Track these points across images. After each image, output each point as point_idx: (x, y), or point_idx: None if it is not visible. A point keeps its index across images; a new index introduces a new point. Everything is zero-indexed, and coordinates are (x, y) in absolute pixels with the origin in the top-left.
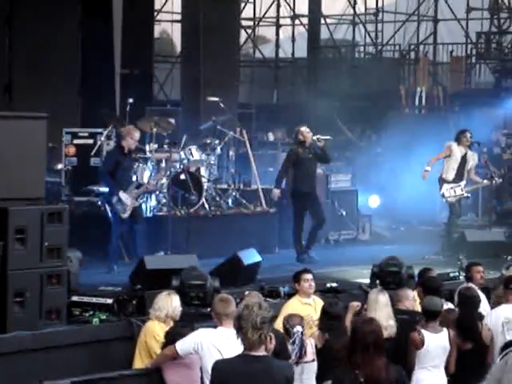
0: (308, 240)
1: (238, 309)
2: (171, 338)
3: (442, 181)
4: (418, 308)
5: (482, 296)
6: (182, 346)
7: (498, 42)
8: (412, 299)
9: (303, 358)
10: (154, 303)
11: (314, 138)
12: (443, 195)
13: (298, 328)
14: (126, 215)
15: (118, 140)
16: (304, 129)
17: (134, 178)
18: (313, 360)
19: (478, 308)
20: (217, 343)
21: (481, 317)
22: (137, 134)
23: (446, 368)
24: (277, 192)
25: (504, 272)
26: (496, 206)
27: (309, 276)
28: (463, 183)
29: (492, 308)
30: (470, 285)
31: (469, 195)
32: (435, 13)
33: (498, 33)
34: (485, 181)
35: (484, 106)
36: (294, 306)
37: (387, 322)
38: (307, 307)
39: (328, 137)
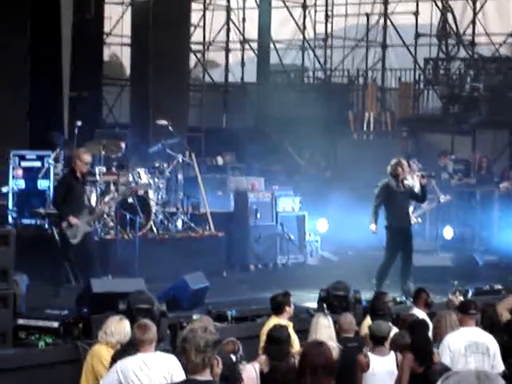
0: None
1: (183, 331)
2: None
3: None
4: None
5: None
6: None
7: (445, 68)
8: (349, 323)
9: None
10: (106, 327)
11: (418, 173)
12: None
13: (232, 357)
14: (76, 241)
15: (69, 164)
16: (405, 162)
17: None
18: None
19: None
20: (136, 369)
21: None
22: (88, 157)
23: None
24: (374, 227)
25: (451, 297)
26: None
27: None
28: (411, 209)
29: (433, 332)
30: (416, 310)
31: (420, 220)
32: (384, 39)
33: (445, 59)
34: (426, 203)
35: (432, 131)
36: None
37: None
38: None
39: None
